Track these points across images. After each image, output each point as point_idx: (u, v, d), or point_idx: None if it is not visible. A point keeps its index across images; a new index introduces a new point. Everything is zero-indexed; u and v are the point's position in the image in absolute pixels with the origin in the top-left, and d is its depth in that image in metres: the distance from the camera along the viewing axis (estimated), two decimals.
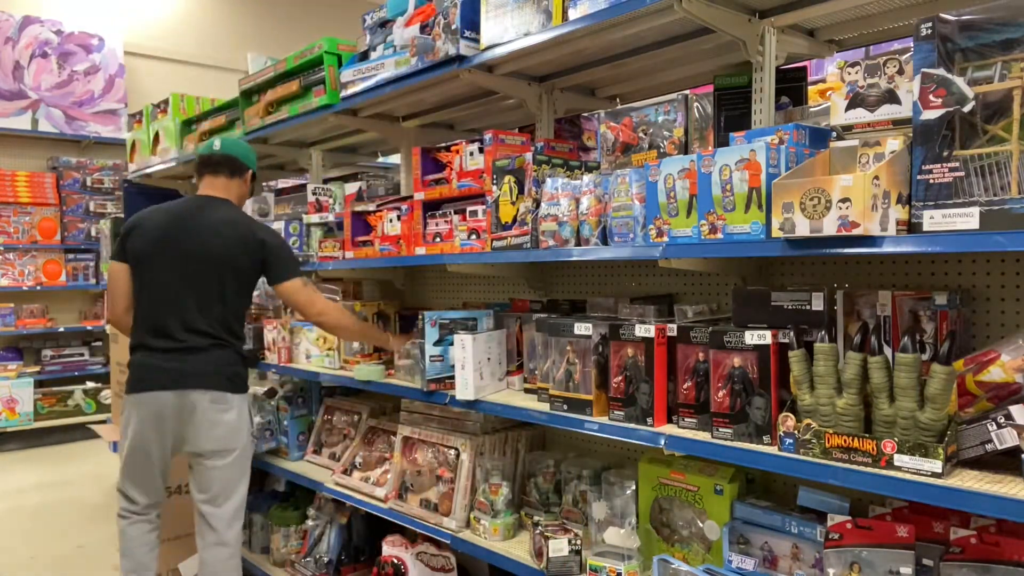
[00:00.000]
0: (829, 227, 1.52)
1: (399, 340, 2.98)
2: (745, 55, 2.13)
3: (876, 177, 1.49)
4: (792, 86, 2.31)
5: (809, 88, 2.41)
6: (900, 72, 1.75)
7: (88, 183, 7.48)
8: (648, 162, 2.00)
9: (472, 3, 2.53)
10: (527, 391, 2.54)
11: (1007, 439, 1.47)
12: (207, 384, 2.78)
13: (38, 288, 7.20)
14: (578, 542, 2.24)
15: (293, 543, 3.46)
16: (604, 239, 2.17)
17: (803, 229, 1.56)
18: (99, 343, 7.48)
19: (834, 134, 1.86)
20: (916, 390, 1.55)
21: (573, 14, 2.19)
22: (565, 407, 2.21)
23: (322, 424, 3.70)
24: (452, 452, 2.75)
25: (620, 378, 2.08)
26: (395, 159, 4.45)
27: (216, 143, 3.08)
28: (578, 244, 2.23)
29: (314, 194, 3.57)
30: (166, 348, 2.79)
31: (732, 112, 2.29)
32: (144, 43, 8.03)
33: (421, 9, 2.82)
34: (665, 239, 1.93)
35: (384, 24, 3.05)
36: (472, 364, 2.46)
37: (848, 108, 1.84)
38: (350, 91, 3.12)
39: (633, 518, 2.18)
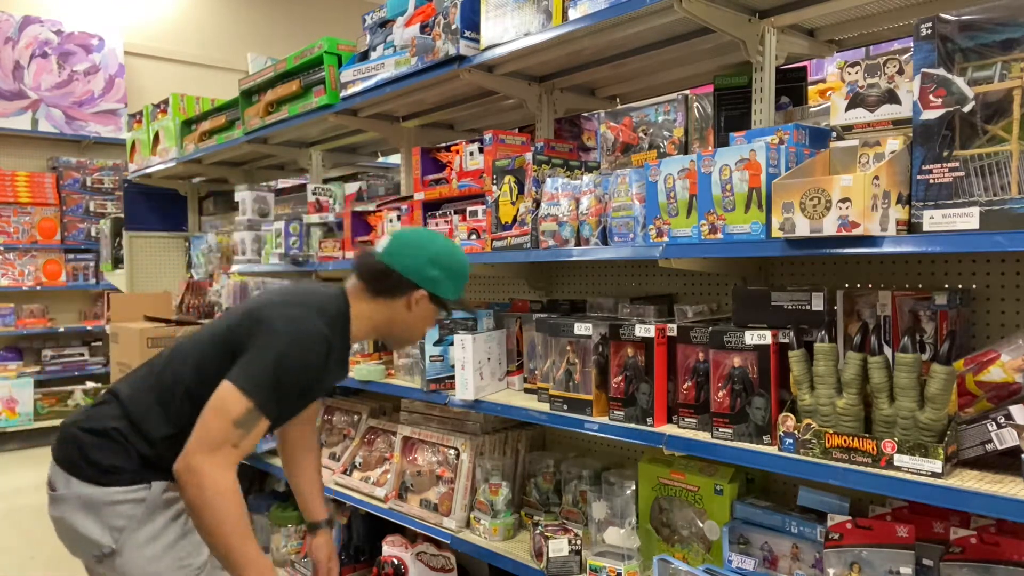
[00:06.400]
0: (829, 227, 1.52)
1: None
2: (745, 55, 2.13)
3: (876, 177, 1.49)
4: (792, 86, 2.31)
5: (809, 88, 2.41)
6: (900, 72, 1.75)
7: (88, 183, 7.46)
8: (648, 162, 2.00)
9: (472, 3, 2.53)
10: (527, 391, 2.54)
11: (1007, 439, 1.47)
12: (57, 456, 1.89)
13: (38, 288, 7.19)
14: (578, 542, 2.24)
15: (293, 543, 3.46)
16: (604, 239, 2.17)
17: (803, 229, 1.56)
18: (99, 343, 7.46)
19: (834, 134, 1.86)
20: (916, 390, 1.55)
21: (573, 14, 2.19)
22: (565, 407, 2.21)
23: (322, 424, 3.70)
24: (452, 452, 2.75)
25: (620, 378, 2.08)
26: (395, 159, 4.45)
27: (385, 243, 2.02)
28: (578, 244, 2.23)
29: (314, 194, 3.57)
30: None
31: (732, 112, 2.28)
32: (144, 43, 8.02)
33: (421, 9, 2.82)
34: (665, 239, 1.93)
35: (384, 24, 3.05)
36: (472, 364, 2.46)
37: (848, 108, 1.84)
38: (350, 91, 3.12)
39: (633, 518, 2.18)
